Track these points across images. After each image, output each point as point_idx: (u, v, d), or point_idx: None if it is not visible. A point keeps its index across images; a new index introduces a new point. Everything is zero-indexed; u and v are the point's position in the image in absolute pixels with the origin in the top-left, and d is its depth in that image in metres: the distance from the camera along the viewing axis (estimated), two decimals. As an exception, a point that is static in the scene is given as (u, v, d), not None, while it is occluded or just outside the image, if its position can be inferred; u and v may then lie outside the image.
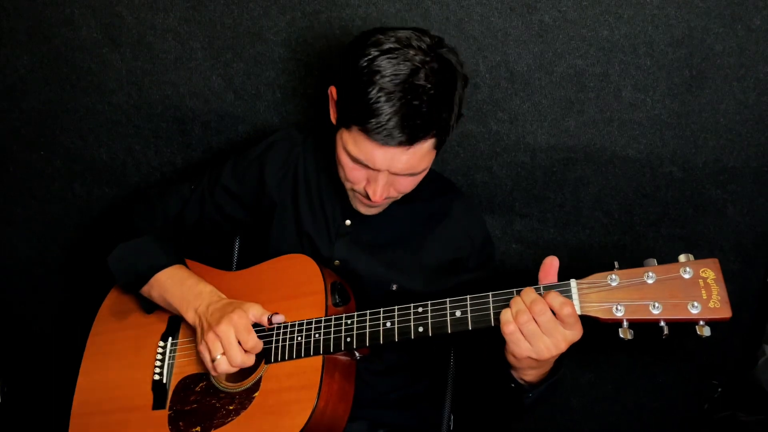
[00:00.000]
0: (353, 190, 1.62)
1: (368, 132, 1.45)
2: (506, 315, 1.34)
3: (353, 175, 1.58)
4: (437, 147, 1.54)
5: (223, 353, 1.53)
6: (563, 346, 1.33)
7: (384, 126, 1.43)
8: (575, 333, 1.33)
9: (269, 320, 1.58)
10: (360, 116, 1.45)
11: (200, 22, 2.00)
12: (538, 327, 1.32)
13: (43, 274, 2.43)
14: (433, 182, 1.82)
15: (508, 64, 1.93)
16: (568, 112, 1.97)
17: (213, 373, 1.58)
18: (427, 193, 1.78)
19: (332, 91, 1.59)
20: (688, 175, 2.01)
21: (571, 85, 1.93)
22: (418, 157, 1.51)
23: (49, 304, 2.48)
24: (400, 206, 1.74)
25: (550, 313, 1.31)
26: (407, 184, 1.60)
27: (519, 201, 2.13)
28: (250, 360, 1.55)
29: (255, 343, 1.54)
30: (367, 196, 1.58)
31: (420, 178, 1.61)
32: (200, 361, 1.66)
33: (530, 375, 1.44)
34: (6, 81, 2.14)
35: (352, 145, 1.51)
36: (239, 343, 1.53)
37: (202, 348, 1.56)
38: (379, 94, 1.43)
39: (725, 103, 1.90)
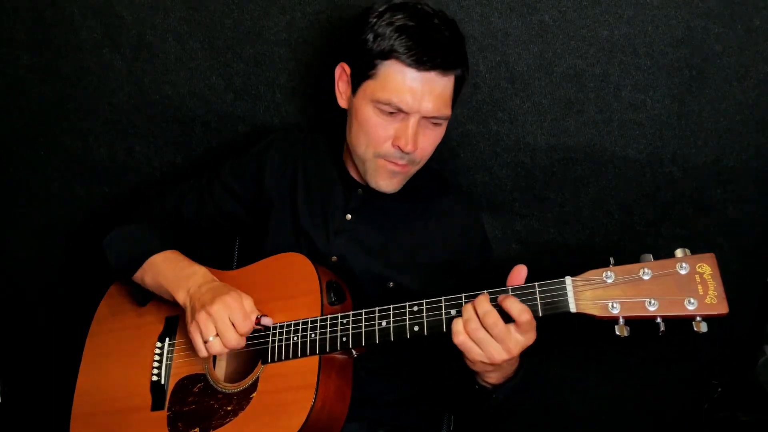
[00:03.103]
0: (378, 155, 1.61)
1: (400, 58, 1.48)
2: (457, 325, 1.36)
3: (378, 134, 1.58)
4: (454, 98, 1.59)
5: (217, 335, 1.51)
6: (515, 351, 1.34)
7: (416, 50, 1.47)
8: (528, 339, 1.34)
9: (257, 320, 1.56)
10: (388, 50, 1.49)
11: (200, 22, 2.00)
12: (489, 335, 1.33)
13: (43, 274, 2.44)
14: (432, 181, 1.83)
15: (508, 64, 1.92)
16: (568, 112, 1.96)
17: (202, 354, 1.54)
18: (426, 192, 1.79)
19: (342, 66, 1.60)
20: (688, 175, 2.00)
21: (571, 85, 1.93)
22: (445, 97, 1.55)
23: (49, 304, 2.49)
24: (400, 203, 1.75)
25: (501, 324, 1.32)
26: (431, 141, 1.61)
27: (519, 201, 2.12)
28: (242, 342, 1.54)
29: (249, 327, 1.53)
30: (397, 153, 1.58)
31: (439, 137, 1.63)
32: (198, 361, 1.67)
33: (492, 377, 1.46)
34: (6, 81, 2.15)
35: (381, 89, 1.53)
36: (233, 326, 1.52)
37: (193, 328, 1.53)
38: (402, 29, 1.48)
39: (725, 103, 1.90)
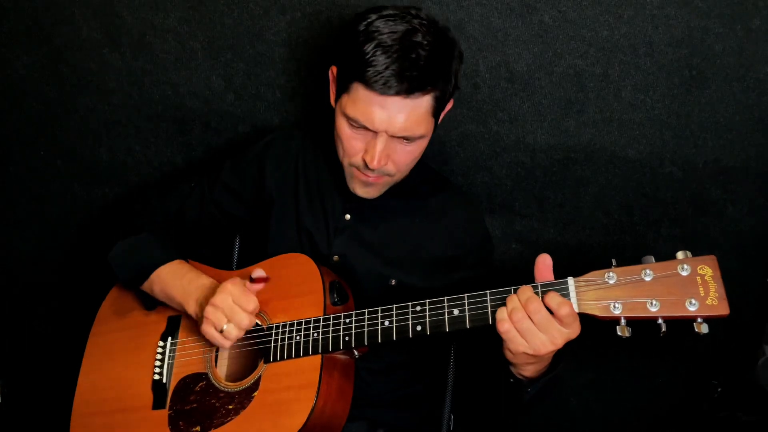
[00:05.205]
0: (351, 164, 1.62)
1: (367, 83, 1.47)
2: (502, 313, 1.35)
3: (351, 145, 1.58)
4: (434, 114, 1.56)
5: (228, 321, 1.53)
6: (560, 343, 1.34)
7: (381, 74, 1.45)
8: (572, 331, 1.34)
9: (250, 279, 1.58)
10: (358, 70, 1.47)
11: (200, 22, 2.00)
12: (533, 324, 1.32)
13: (43, 274, 2.43)
14: (432, 180, 1.84)
15: (508, 64, 1.93)
16: (568, 112, 1.97)
17: (225, 345, 1.55)
18: (425, 190, 1.79)
19: (332, 69, 1.60)
20: (688, 175, 2.01)
21: (571, 85, 1.93)
22: (416, 116, 1.51)
23: (49, 304, 2.48)
24: (399, 202, 1.75)
25: (545, 310, 1.32)
26: (405, 156, 1.60)
27: (519, 201, 2.13)
28: (254, 321, 1.55)
29: (255, 304, 1.54)
30: (366, 167, 1.58)
31: (416, 151, 1.61)
32: (200, 360, 1.67)
33: (528, 370, 1.44)
34: (6, 81, 2.14)
35: (351, 106, 1.52)
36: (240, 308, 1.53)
37: (205, 325, 1.55)
38: (377, 49, 1.46)
39: (725, 103, 1.90)
